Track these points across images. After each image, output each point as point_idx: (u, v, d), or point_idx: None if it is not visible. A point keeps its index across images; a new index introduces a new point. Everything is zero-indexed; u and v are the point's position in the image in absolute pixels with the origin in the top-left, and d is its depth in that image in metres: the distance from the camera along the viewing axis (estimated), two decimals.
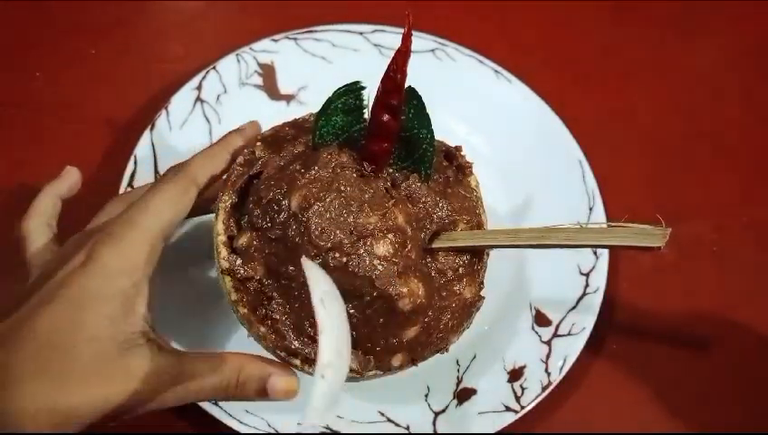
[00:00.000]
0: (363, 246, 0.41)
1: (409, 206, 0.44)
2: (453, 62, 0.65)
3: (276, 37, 0.65)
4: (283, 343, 0.42)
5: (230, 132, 0.48)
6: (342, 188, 0.42)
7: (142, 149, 0.58)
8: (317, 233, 0.41)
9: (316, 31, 0.65)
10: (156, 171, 0.58)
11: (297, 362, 0.43)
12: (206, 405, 0.50)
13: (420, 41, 0.64)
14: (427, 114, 0.43)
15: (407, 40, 0.40)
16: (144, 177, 0.57)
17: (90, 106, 0.64)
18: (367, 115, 0.44)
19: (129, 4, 0.70)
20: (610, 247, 0.41)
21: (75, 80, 0.65)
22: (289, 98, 0.64)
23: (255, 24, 0.69)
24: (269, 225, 0.42)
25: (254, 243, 0.42)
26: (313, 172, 0.42)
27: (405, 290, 0.41)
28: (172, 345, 0.43)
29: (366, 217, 0.41)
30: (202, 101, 0.61)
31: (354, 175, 0.43)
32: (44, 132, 0.63)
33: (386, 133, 0.42)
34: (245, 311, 0.43)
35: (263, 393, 0.42)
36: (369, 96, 0.43)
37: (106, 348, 0.39)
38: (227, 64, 0.63)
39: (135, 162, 0.57)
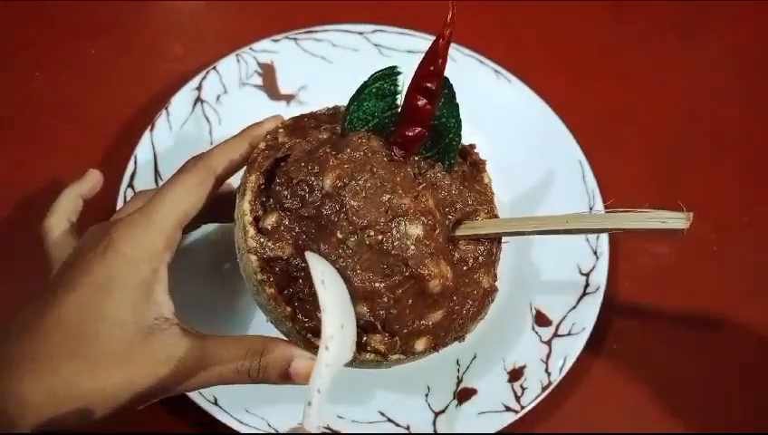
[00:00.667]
0: (397, 226, 0.41)
1: (435, 194, 0.44)
2: (453, 63, 0.63)
3: (276, 37, 0.65)
4: (312, 323, 0.42)
5: (251, 124, 0.48)
6: (375, 169, 0.42)
7: (142, 149, 0.58)
8: (354, 210, 0.41)
9: (316, 31, 0.65)
10: (156, 171, 0.58)
11: None
12: (206, 405, 0.50)
13: (420, 41, 0.64)
14: (457, 104, 0.44)
15: (450, 27, 0.40)
16: (144, 177, 0.57)
17: (90, 106, 0.64)
18: (400, 101, 0.44)
19: (129, 4, 0.70)
20: (635, 231, 0.41)
21: (75, 80, 0.65)
22: (289, 98, 0.64)
23: (255, 24, 0.69)
24: (299, 205, 0.42)
25: (284, 222, 0.43)
26: (346, 154, 0.42)
27: (436, 271, 0.42)
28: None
29: (400, 198, 0.42)
30: (202, 102, 0.61)
31: (384, 159, 0.43)
32: (44, 132, 0.63)
33: (420, 118, 0.43)
34: (272, 291, 0.43)
35: (285, 377, 0.42)
36: (404, 83, 0.43)
37: (129, 333, 0.39)
38: (227, 64, 0.63)
39: (135, 162, 0.57)
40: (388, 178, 0.42)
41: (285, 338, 0.44)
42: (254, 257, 0.43)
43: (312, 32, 0.65)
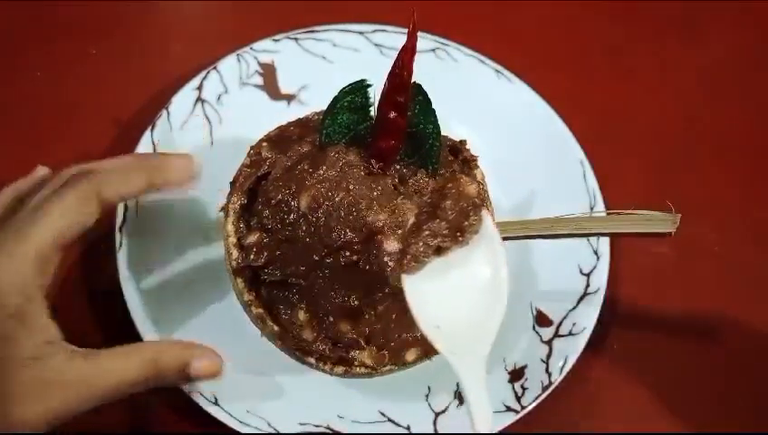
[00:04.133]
0: (373, 244, 0.41)
1: (418, 201, 0.44)
2: (454, 62, 0.65)
3: (277, 37, 0.65)
4: (298, 342, 0.42)
5: (159, 157, 0.46)
6: (351, 186, 0.42)
7: (142, 149, 0.58)
8: (327, 232, 0.41)
9: (317, 31, 0.65)
10: None
11: (312, 360, 0.43)
12: (206, 405, 0.50)
13: (421, 40, 0.63)
14: (433, 109, 0.44)
15: (412, 37, 0.40)
16: None
17: (90, 106, 0.64)
18: (373, 113, 0.44)
19: (129, 4, 0.70)
20: (621, 235, 0.41)
21: (75, 80, 0.65)
22: (290, 98, 0.64)
23: (256, 24, 0.69)
24: (279, 226, 0.42)
25: (264, 241, 0.43)
26: (321, 172, 0.42)
27: None
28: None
29: (375, 215, 0.42)
30: (203, 101, 0.61)
31: (362, 173, 0.43)
32: (44, 132, 0.63)
33: (393, 130, 0.43)
34: (259, 311, 0.43)
35: (186, 378, 0.41)
36: (375, 94, 0.43)
37: (13, 367, 0.38)
38: (228, 64, 0.63)
39: None
40: (364, 195, 0.42)
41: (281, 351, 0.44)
42: (239, 279, 0.43)
43: (312, 31, 0.65)
